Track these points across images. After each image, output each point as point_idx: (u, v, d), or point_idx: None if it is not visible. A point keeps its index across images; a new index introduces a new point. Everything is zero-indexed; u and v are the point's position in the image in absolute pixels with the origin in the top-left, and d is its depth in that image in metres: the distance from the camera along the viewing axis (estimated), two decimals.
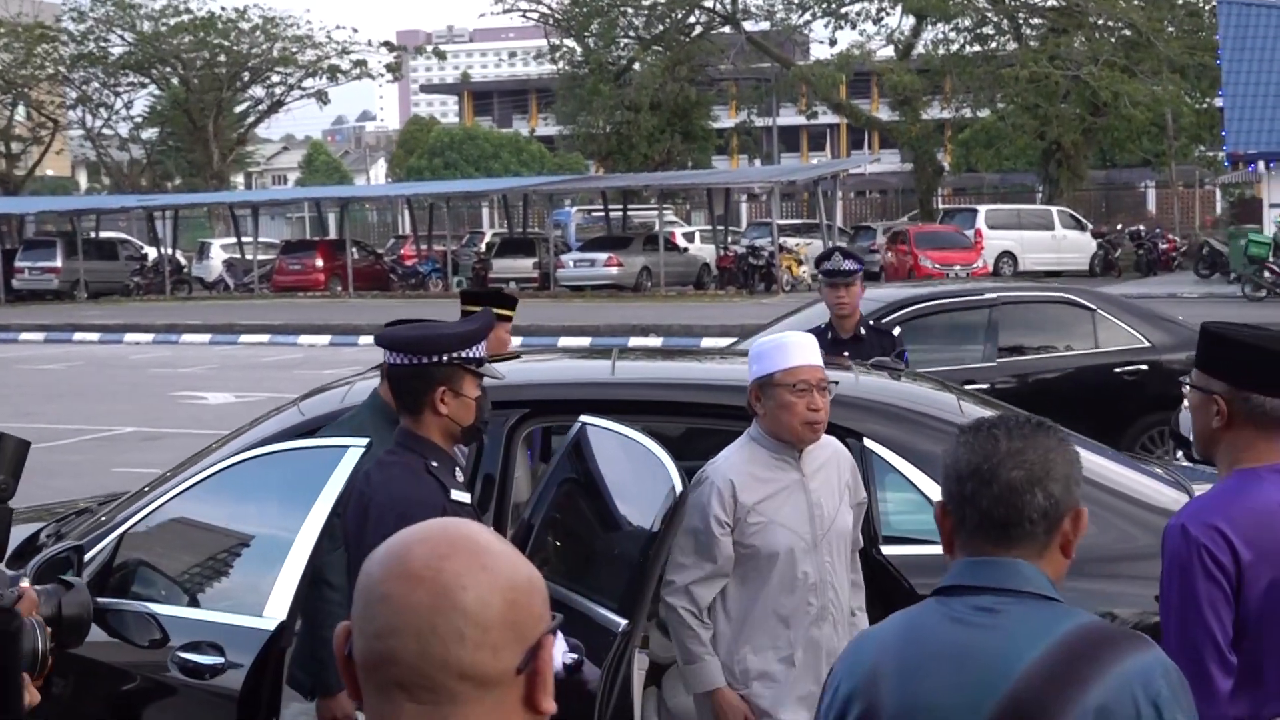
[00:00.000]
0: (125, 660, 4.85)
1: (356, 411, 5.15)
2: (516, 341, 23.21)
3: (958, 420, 5.42)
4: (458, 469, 4.39)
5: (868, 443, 5.17)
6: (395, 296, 42.82)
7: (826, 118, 68.66)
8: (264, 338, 30.78)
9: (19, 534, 5.96)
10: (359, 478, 4.39)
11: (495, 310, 6.91)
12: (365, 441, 4.59)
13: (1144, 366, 11.73)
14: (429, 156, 78.18)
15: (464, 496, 4.34)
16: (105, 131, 66.20)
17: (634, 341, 25.84)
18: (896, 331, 8.79)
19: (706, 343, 25.51)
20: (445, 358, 4.24)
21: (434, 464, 4.26)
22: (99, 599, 4.88)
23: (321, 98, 64.35)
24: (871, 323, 8.70)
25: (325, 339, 29.97)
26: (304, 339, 30.23)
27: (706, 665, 4.61)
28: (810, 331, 8.43)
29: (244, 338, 31.00)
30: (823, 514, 4.68)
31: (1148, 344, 11.85)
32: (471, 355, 4.29)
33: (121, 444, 16.91)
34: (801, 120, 66.70)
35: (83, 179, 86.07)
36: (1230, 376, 3.59)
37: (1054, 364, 11.97)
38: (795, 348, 4.71)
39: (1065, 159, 49.11)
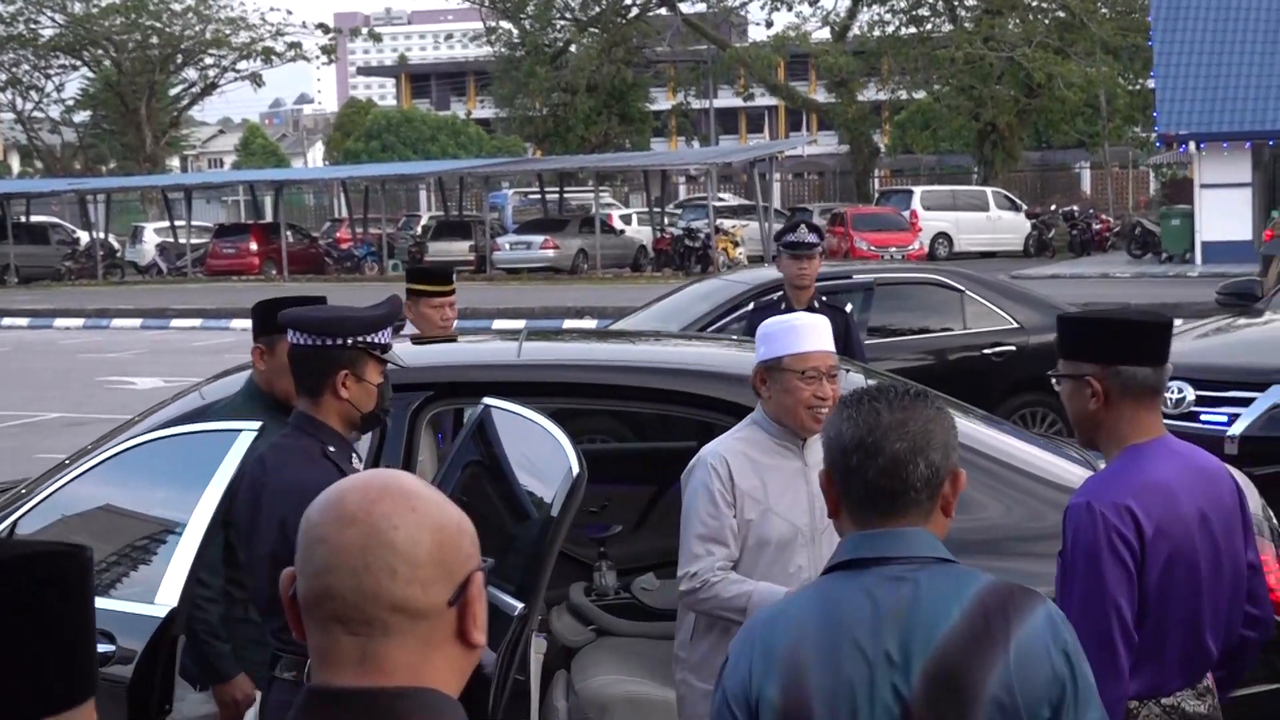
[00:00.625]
0: None
1: (232, 398, 5.03)
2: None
3: None
4: (355, 456, 4.31)
5: None
6: (330, 280, 42.55)
7: (764, 100, 68.81)
8: (196, 322, 30.51)
9: None
10: (251, 461, 4.31)
11: (431, 287, 7.06)
12: (258, 425, 4.51)
13: (1012, 347, 11.78)
14: (366, 139, 77.71)
15: None
16: (36, 115, 65.51)
17: (569, 324, 25.81)
18: (849, 308, 8.92)
19: (569, 324, 25.41)
20: (349, 341, 4.14)
21: (331, 449, 4.16)
22: None
23: (256, 80, 63.89)
24: (825, 298, 8.72)
25: None
26: (236, 323, 29.89)
27: (757, 593, 4.27)
28: (766, 304, 8.76)
29: (175, 322, 30.72)
30: (824, 506, 4.45)
31: (1015, 325, 11.92)
32: (376, 340, 4.19)
33: (46, 430, 16.72)
34: (739, 102, 66.89)
35: (15, 163, 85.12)
36: (1098, 355, 3.63)
37: (923, 345, 12.00)
38: (807, 332, 4.54)
39: (1000, 140, 49.41)
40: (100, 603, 4.57)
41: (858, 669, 2.54)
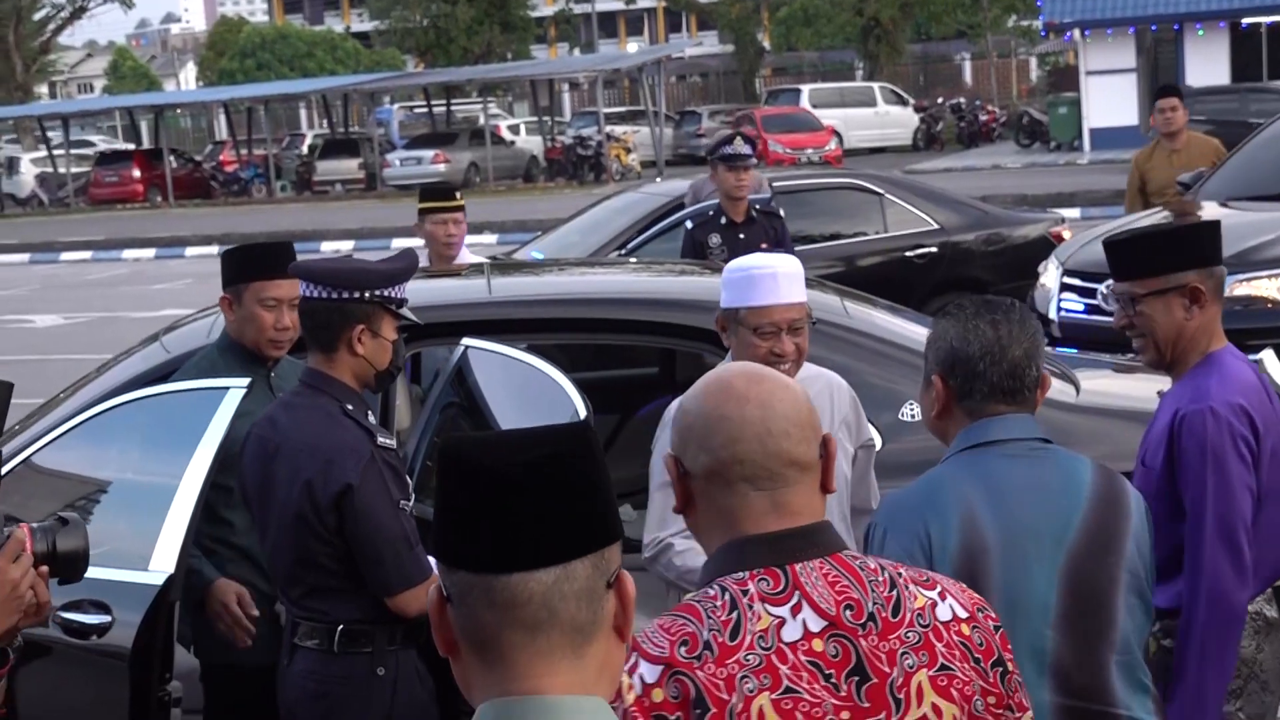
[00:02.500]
0: None
1: (206, 350, 4.82)
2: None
3: (844, 322, 5.34)
4: (370, 412, 4.14)
5: None
6: (218, 204, 41.84)
7: (644, 1, 68.20)
8: (86, 254, 29.80)
9: None
10: (260, 421, 4.16)
11: (432, 203, 7.24)
12: (246, 381, 4.38)
13: (933, 249, 11.79)
14: (240, 58, 76.15)
15: (390, 440, 4.10)
16: None
17: (470, 240, 25.53)
18: (782, 213, 9.18)
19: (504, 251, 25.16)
20: (367, 294, 3.96)
21: (349, 406, 4.00)
22: None
23: (126, 1, 62.27)
24: (758, 207, 8.91)
25: (150, 252, 29.16)
26: (128, 253, 29.36)
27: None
28: (701, 216, 8.88)
29: (65, 255, 29.98)
30: None
31: (936, 226, 11.91)
32: (393, 294, 4.02)
33: None
34: (620, 5, 66.21)
35: None
36: (1198, 260, 3.65)
37: (844, 250, 11.89)
38: (764, 282, 4.10)
39: (884, 35, 49.36)
40: (93, 572, 4.45)
41: (1027, 519, 2.92)
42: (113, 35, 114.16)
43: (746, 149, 8.71)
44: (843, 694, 2.13)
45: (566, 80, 55.43)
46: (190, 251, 28.92)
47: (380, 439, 4.02)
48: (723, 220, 8.71)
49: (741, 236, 8.59)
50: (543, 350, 8.23)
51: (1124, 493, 3.04)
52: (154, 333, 5.76)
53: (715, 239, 8.62)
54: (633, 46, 72.91)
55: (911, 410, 4.96)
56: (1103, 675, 2.93)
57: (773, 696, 2.09)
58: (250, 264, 4.72)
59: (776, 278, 4.12)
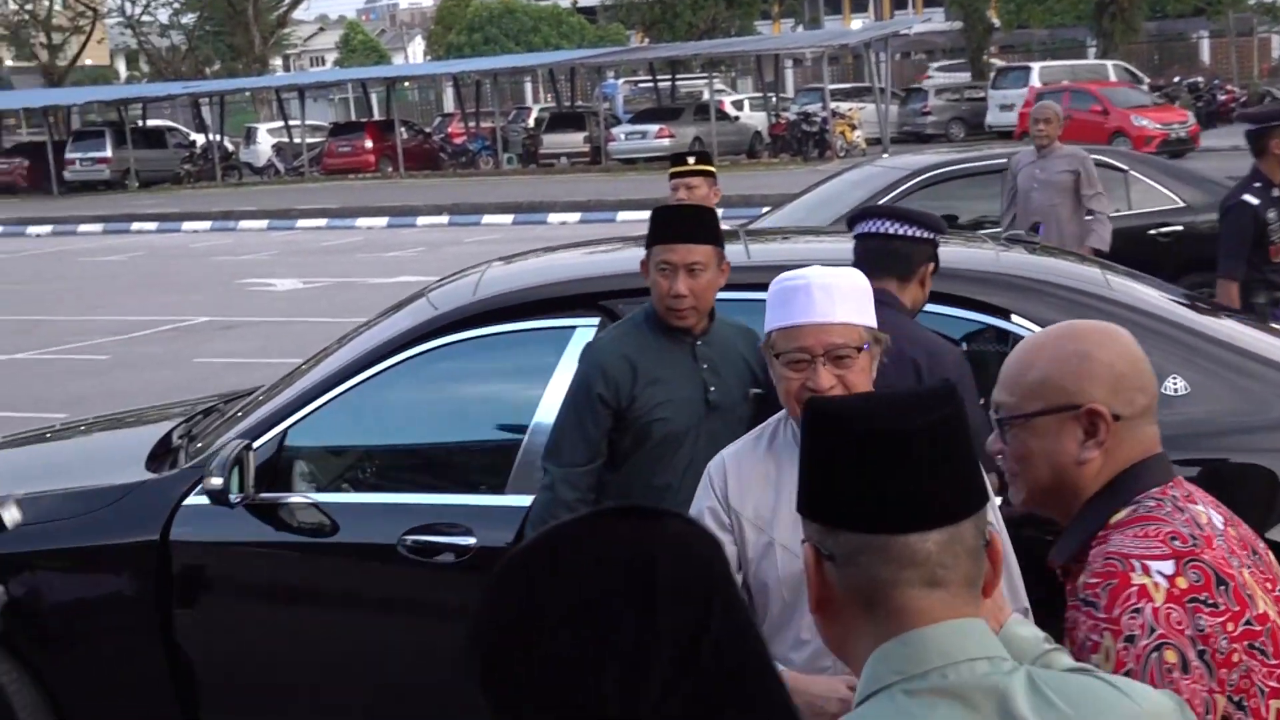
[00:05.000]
0: (350, 542, 4.98)
1: (630, 315, 4.52)
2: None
3: (1106, 294, 5.28)
4: None
5: (1016, 319, 5.03)
6: (447, 175, 42.62)
7: None
8: (321, 221, 30.70)
9: (151, 435, 5.90)
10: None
11: (697, 167, 7.53)
12: (595, 320, 4.73)
13: (1179, 227, 11.53)
14: (468, 32, 77.27)
15: None
16: (145, 18, 65.74)
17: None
18: None
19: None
20: (938, 239, 4.69)
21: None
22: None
23: None
24: None
25: (383, 220, 29.89)
26: (361, 221, 30.14)
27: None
28: (1258, 191, 7.90)
29: (301, 222, 30.93)
30: None
31: (1182, 204, 11.64)
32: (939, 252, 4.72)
33: (198, 334, 16.92)
34: None
35: (121, 67, 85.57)
36: None
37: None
38: (799, 297, 3.22)
39: (1119, 11, 48.18)
40: (453, 499, 4.86)
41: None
42: (343, 10, 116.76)
43: None
44: (1263, 568, 2.37)
45: (791, 56, 55.27)
46: (421, 220, 29.57)
47: None
48: (1274, 193, 7.89)
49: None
50: None
51: None
52: (419, 290, 5.91)
53: (1272, 214, 7.88)
54: (857, 23, 72.29)
55: (1174, 384, 4.90)
56: None
57: (1245, 568, 2.34)
58: (656, 226, 4.40)
59: (816, 291, 3.22)
